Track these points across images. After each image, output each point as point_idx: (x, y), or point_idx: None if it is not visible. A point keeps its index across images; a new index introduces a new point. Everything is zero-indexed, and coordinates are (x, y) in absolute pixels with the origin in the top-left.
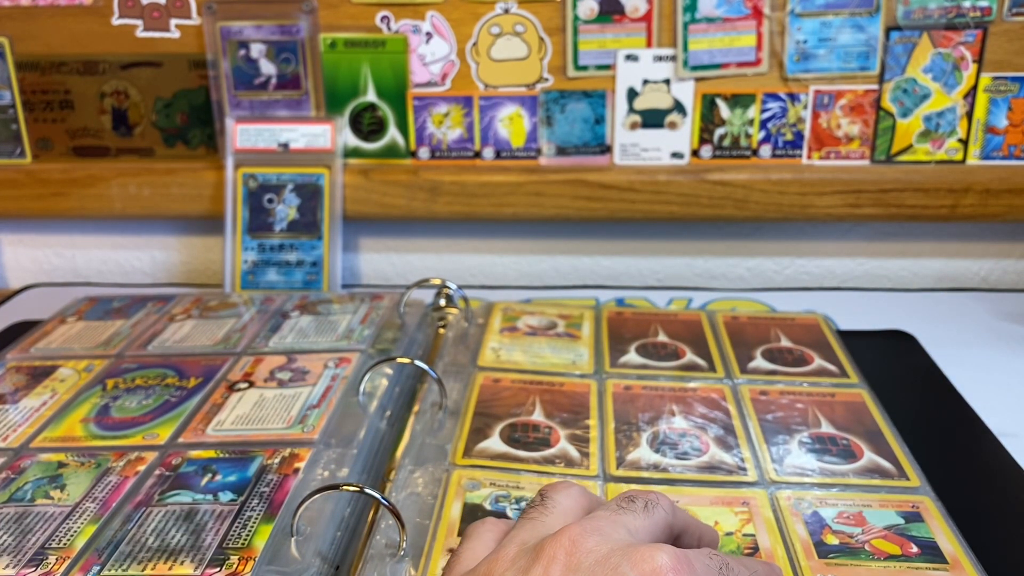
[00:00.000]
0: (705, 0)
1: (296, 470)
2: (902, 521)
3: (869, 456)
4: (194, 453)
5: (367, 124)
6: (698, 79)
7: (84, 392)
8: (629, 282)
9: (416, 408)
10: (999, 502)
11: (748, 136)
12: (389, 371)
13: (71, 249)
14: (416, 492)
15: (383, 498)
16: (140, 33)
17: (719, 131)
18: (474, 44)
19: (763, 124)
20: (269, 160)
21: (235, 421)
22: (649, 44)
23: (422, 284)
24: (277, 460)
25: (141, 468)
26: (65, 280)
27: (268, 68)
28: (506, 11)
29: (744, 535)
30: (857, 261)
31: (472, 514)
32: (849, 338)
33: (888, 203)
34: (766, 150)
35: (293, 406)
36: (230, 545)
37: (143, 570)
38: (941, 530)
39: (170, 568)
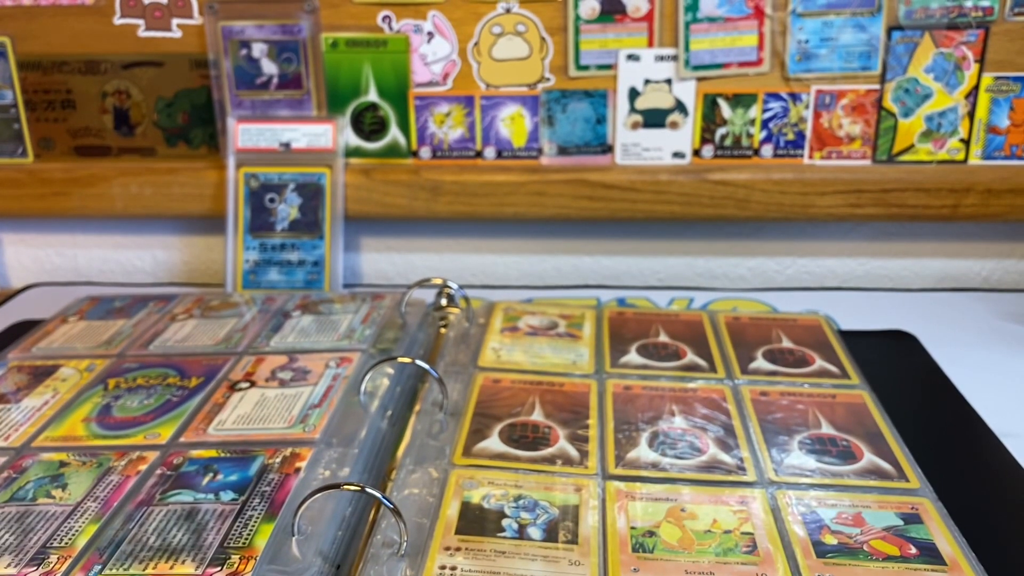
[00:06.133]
0: (706, 0)
1: (297, 469)
2: (901, 522)
3: (869, 457)
4: (195, 453)
5: (368, 124)
6: (699, 79)
7: (85, 391)
8: (630, 282)
9: (417, 408)
10: (1001, 502)
11: (749, 136)
12: (390, 371)
13: (73, 248)
14: (416, 492)
15: (384, 498)
16: (142, 33)
17: (720, 131)
18: (475, 44)
19: (764, 124)
20: (270, 160)
21: (236, 421)
22: (650, 44)
23: (423, 284)
24: (278, 460)
25: (142, 467)
26: (67, 280)
27: (270, 68)
28: (507, 11)
29: (742, 533)
30: (858, 261)
31: (470, 513)
32: (850, 338)
33: (890, 203)
34: (767, 150)
35: (294, 406)
36: (231, 544)
37: (144, 569)
38: (940, 532)
39: (171, 567)
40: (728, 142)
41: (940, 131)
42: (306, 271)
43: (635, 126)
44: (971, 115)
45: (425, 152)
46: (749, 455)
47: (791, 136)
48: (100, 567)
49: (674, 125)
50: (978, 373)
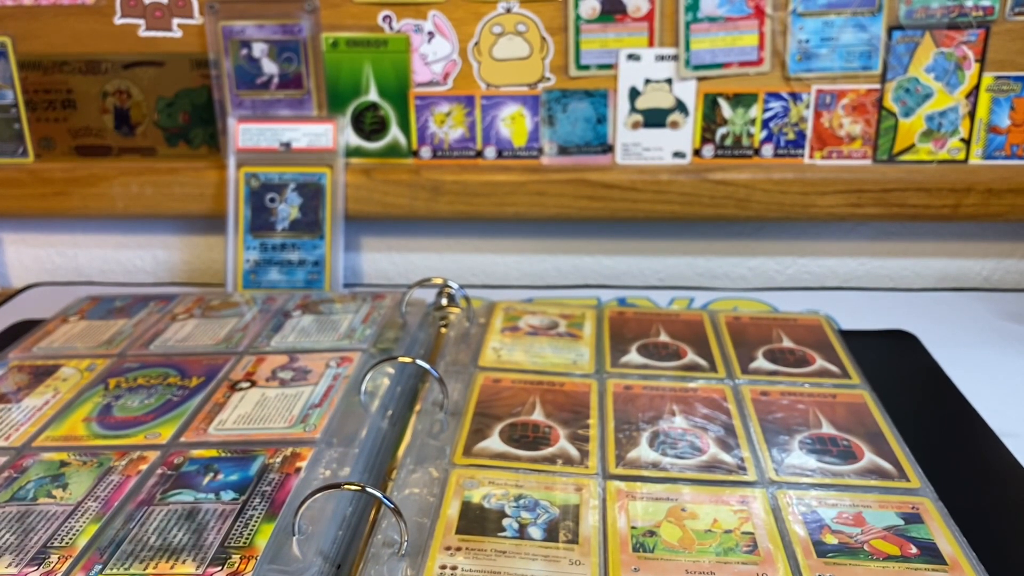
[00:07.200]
0: (707, 0)
1: (298, 469)
2: (902, 522)
3: (869, 457)
4: (196, 452)
5: (369, 123)
6: (700, 78)
7: (86, 391)
8: (631, 282)
9: (418, 407)
10: (1001, 502)
11: (750, 135)
12: (391, 370)
13: (73, 248)
14: (417, 491)
15: (385, 497)
16: (142, 32)
17: (721, 130)
18: (476, 43)
19: (765, 123)
20: (271, 159)
21: (237, 420)
22: (651, 43)
23: (424, 283)
24: (279, 459)
25: (143, 467)
26: (67, 279)
27: (270, 67)
28: (508, 10)
29: (743, 533)
30: (859, 261)
31: (470, 513)
32: (851, 338)
33: (890, 203)
34: (768, 149)
35: (295, 405)
36: (232, 544)
37: (145, 569)
38: (941, 531)
39: (172, 567)
40: (729, 142)
41: (941, 131)
42: (306, 271)
43: (636, 126)
44: (972, 115)
45: (425, 152)
46: (750, 455)
47: (792, 136)
48: (101, 567)
49: (675, 125)
50: (979, 373)
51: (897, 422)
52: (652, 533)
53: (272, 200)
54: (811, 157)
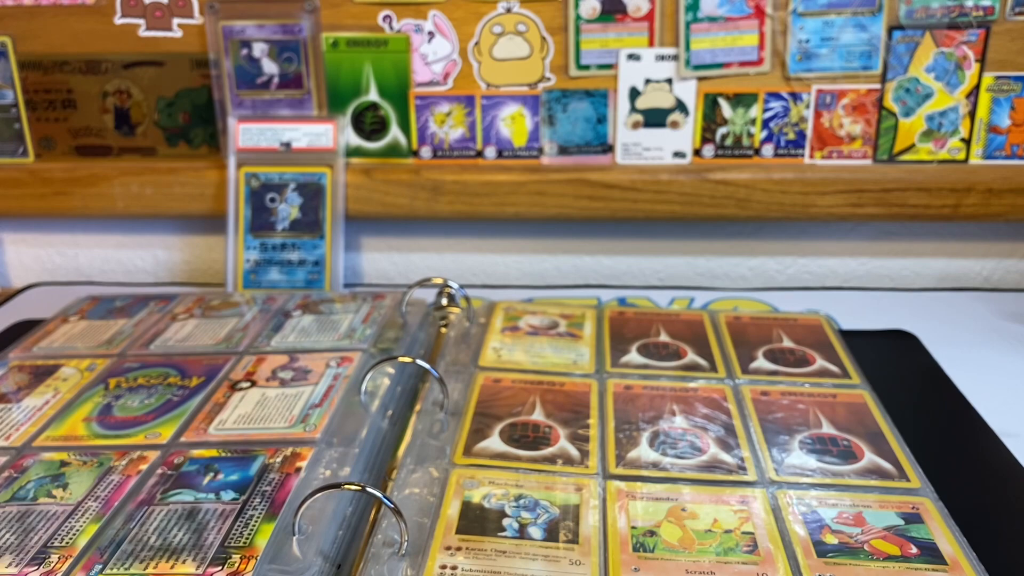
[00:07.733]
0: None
1: (298, 469)
2: (902, 522)
3: (870, 457)
4: (196, 452)
5: (369, 123)
6: (700, 78)
7: (86, 391)
8: (631, 281)
9: (418, 407)
10: (1002, 502)
11: (750, 135)
12: (391, 370)
13: (73, 248)
14: (417, 491)
15: (385, 497)
16: (142, 32)
17: (721, 130)
18: (476, 43)
19: (765, 123)
20: (271, 159)
21: (237, 420)
22: (651, 43)
23: (424, 283)
24: (279, 459)
25: (143, 467)
26: (67, 279)
27: (270, 67)
28: (508, 10)
29: (743, 533)
30: (859, 261)
31: (471, 513)
32: (851, 337)
33: (890, 203)
34: (768, 149)
35: (295, 405)
36: (232, 544)
37: (145, 569)
38: (941, 531)
39: (172, 567)
40: (729, 142)
41: (941, 131)
42: (307, 271)
43: (636, 126)
44: (972, 115)
45: (426, 152)
46: (750, 455)
47: (792, 136)
48: (101, 567)
49: (675, 125)
50: (979, 373)
51: (897, 422)
52: (652, 533)
53: (272, 200)
54: (811, 157)
